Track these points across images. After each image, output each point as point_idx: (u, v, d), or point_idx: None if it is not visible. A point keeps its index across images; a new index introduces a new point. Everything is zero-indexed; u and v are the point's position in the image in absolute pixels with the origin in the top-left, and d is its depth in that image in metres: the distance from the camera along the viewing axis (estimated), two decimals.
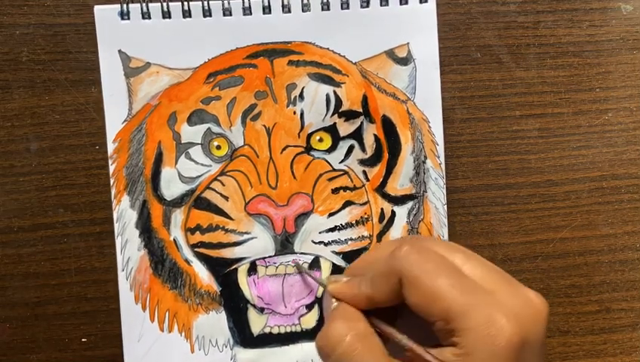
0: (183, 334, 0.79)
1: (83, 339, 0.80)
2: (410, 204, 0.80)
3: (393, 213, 0.80)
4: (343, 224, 0.79)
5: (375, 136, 0.79)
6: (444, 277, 0.56)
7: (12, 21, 0.78)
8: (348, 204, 0.79)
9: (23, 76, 0.79)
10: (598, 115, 0.82)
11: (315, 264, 0.79)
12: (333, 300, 0.62)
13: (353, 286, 0.62)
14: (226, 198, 0.77)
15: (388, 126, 0.80)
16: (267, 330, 0.79)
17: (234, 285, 0.79)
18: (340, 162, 0.79)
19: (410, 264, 0.57)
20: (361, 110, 0.79)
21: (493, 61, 0.81)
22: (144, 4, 0.77)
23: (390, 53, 0.79)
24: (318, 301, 0.79)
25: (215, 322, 0.79)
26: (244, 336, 0.79)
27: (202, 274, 0.79)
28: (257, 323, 0.79)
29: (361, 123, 0.79)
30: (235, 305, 0.79)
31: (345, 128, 0.79)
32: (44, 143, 0.79)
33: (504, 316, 0.54)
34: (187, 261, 0.79)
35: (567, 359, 0.83)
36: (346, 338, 0.57)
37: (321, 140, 0.78)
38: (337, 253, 0.79)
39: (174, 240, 0.78)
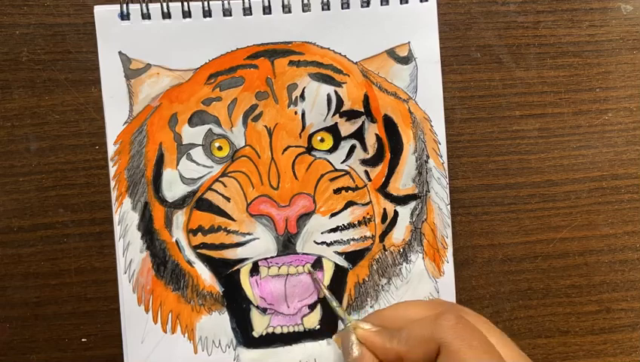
0: (186, 335, 0.79)
1: (83, 339, 0.80)
2: (412, 204, 0.80)
3: (396, 214, 0.80)
4: (345, 224, 0.78)
5: (377, 135, 0.79)
6: (487, 357, 0.57)
7: (12, 21, 0.78)
8: (350, 204, 0.79)
9: (23, 76, 0.78)
10: (598, 115, 0.82)
11: (318, 264, 0.78)
12: (355, 346, 0.63)
13: (385, 338, 0.62)
14: (228, 199, 0.77)
15: (389, 125, 0.80)
16: (270, 330, 0.79)
17: (236, 286, 0.79)
18: (342, 162, 0.79)
19: (455, 336, 0.58)
20: (362, 110, 0.79)
21: (493, 61, 0.81)
22: (144, 5, 0.77)
23: (391, 53, 0.79)
24: (321, 301, 0.79)
25: (218, 323, 0.79)
26: (247, 337, 0.79)
27: (205, 275, 0.79)
28: (260, 324, 0.79)
29: (363, 122, 0.79)
30: (237, 305, 0.79)
31: (346, 128, 0.79)
32: (44, 143, 0.79)
33: None
34: (189, 262, 0.78)
35: (567, 359, 0.83)
36: None
37: (322, 140, 0.78)
38: (340, 254, 0.79)
39: (176, 241, 0.78)
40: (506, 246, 0.82)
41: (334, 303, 0.76)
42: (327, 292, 0.77)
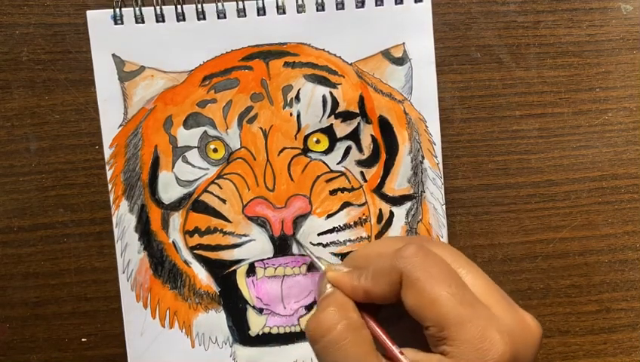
0: (184, 331, 0.80)
1: (83, 339, 0.81)
2: (408, 205, 0.80)
3: (391, 214, 0.80)
4: (342, 225, 0.79)
5: (372, 136, 0.79)
6: (446, 285, 0.56)
7: (12, 21, 0.78)
8: (346, 205, 0.79)
9: (23, 76, 0.79)
10: (598, 114, 0.81)
11: (314, 266, 0.78)
12: (329, 286, 0.63)
13: (353, 277, 0.62)
14: (224, 201, 0.77)
15: (385, 126, 0.79)
16: (266, 330, 0.80)
17: (233, 286, 0.79)
18: (338, 163, 0.79)
19: (415, 266, 0.57)
20: (357, 111, 0.79)
21: (493, 61, 0.81)
22: (137, 9, 0.77)
23: (386, 54, 0.79)
24: None
25: (214, 321, 0.80)
26: (243, 335, 0.80)
27: (201, 275, 0.79)
28: (256, 324, 0.80)
29: (358, 124, 0.79)
30: (234, 305, 0.80)
31: (342, 129, 0.79)
32: (44, 143, 0.79)
33: (498, 332, 0.55)
34: (186, 262, 0.79)
35: (567, 359, 0.83)
36: (337, 326, 0.58)
37: (318, 142, 0.78)
38: (336, 255, 0.78)
39: (173, 242, 0.79)
40: (506, 246, 0.82)
41: (312, 255, 0.75)
42: (306, 248, 0.77)
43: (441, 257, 0.59)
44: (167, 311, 0.80)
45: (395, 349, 0.58)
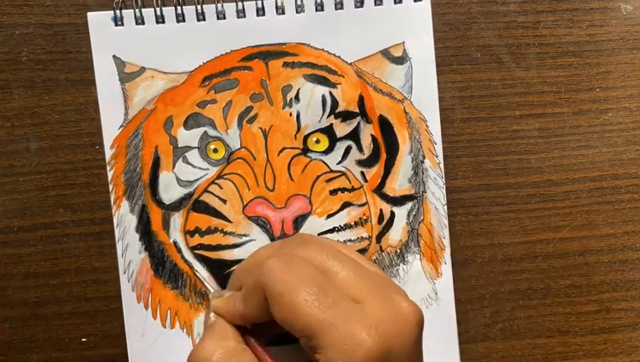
0: (185, 330, 0.80)
1: (83, 339, 0.81)
2: (409, 205, 0.80)
3: (392, 214, 0.80)
4: (342, 225, 0.78)
5: (372, 136, 0.79)
6: (307, 292, 0.55)
7: (12, 21, 0.78)
8: (346, 205, 0.79)
9: (23, 76, 0.79)
10: (598, 114, 0.81)
11: None
12: (212, 315, 0.63)
13: (229, 302, 0.62)
14: (224, 201, 0.77)
15: (385, 126, 0.79)
16: None
17: None
18: (338, 163, 0.79)
19: (273, 279, 0.57)
20: (357, 110, 0.79)
21: (493, 61, 0.81)
22: (137, 10, 0.77)
23: (385, 53, 0.79)
24: None
25: None
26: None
27: (202, 275, 0.79)
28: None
29: (358, 123, 0.79)
30: None
31: (341, 129, 0.79)
32: (44, 143, 0.79)
33: (364, 329, 0.54)
34: (187, 262, 0.79)
35: (567, 359, 0.83)
36: (213, 357, 0.58)
37: (317, 142, 0.78)
38: None
39: (174, 242, 0.79)
40: (506, 246, 0.82)
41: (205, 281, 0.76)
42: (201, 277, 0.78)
43: (307, 260, 0.59)
44: (168, 312, 0.79)
45: None
